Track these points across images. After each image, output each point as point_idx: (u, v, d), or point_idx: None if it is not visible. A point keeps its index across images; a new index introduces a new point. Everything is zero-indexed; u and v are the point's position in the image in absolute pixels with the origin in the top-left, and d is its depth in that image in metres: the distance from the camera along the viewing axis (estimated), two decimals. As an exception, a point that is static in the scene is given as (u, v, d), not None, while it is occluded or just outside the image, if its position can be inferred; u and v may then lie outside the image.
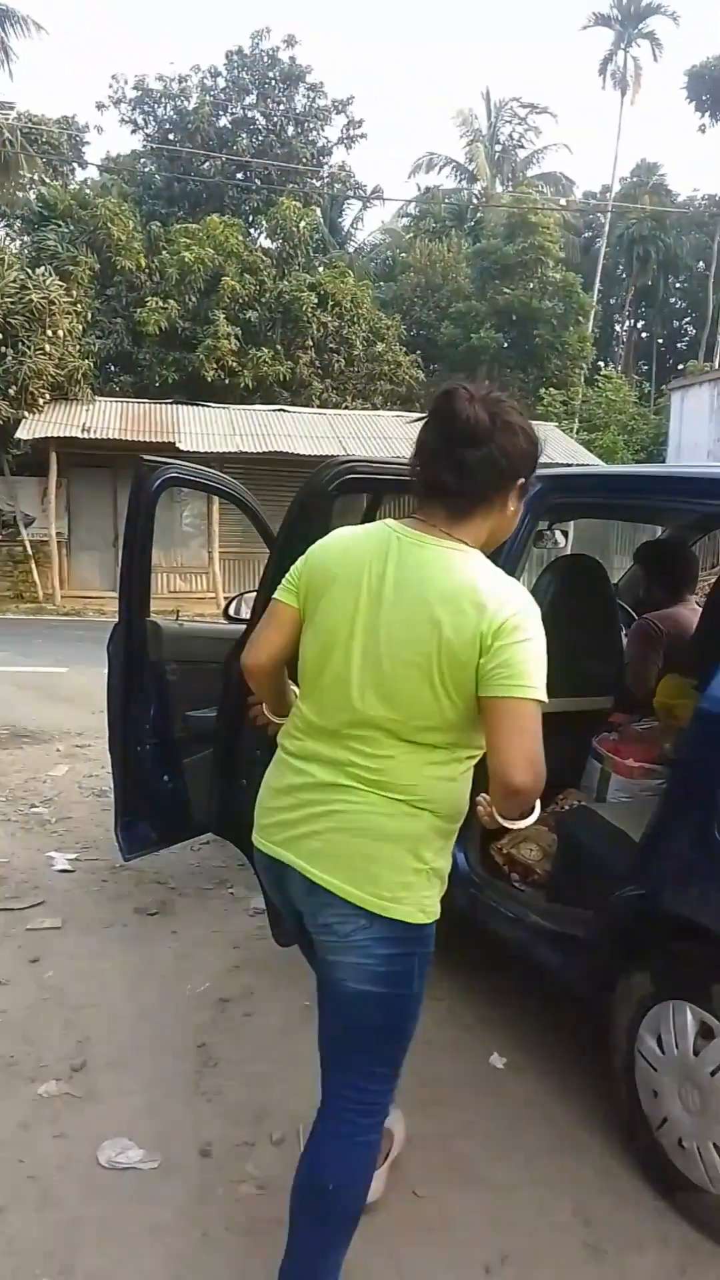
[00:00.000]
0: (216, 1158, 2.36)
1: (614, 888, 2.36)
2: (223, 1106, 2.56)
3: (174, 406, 16.04)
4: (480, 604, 1.54)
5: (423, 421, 1.68)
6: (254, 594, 3.96)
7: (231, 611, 3.84)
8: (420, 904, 1.67)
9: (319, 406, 19.13)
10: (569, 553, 3.65)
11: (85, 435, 14.41)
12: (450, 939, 2.40)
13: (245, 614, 3.83)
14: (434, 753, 1.64)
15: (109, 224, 18.34)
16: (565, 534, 3.95)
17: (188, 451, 14.06)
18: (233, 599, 3.88)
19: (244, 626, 3.47)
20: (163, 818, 3.48)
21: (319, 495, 2.36)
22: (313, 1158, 1.78)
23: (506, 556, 2.87)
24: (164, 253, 19.38)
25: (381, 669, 1.61)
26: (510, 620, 1.53)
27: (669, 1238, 2.15)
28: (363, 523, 2.76)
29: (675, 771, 2.21)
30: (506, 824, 1.67)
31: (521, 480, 1.69)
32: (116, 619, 3.38)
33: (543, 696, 1.52)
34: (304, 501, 2.38)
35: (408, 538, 1.64)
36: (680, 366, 29.00)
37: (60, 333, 15.10)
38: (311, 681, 1.73)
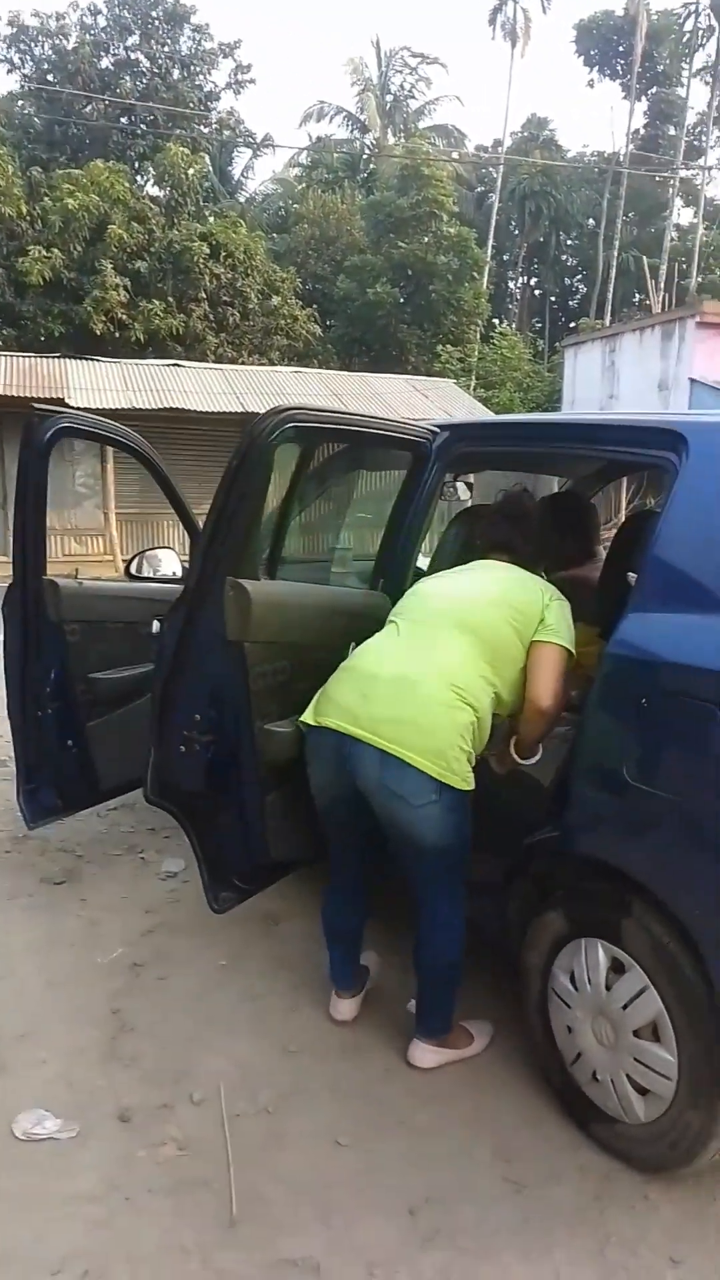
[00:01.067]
0: (136, 1122, 2.33)
1: (526, 832, 2.39)
2: (140, 1071, 2.52)
3: (62, 360, 15.39)
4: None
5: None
6: (158, 550, 3.87)
7: (134, 569, 3.72)
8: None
9: (214, 361, 18.69)
10: (472, 504, 3.64)
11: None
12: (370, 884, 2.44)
13: (148, 572, 3.73)
14: None
15: (-15, 167, 17.40)
16: (469, 486, 3.96)
17: (79, 408, 13.50)
18: (134, 557, 3.75)
19: (153, 584, 3.38)
20: (67, 784, 3.37)
21: (260, 445, 2.27)
22: (444, 951, 2.42)
23: (413, 511, 2.86)
24: (46, 199, 18.49)
25: None
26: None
27: (586, 1168, 2.22)
28: (296, 473, 2.71)
29: (584, 716, 2.24)
30: (520, 762, 2.48)
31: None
32: (10, 580, 3.24)
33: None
34: (245, 452, 2.28)
35: None
36: (572, 325, 29.35)
37: (-65, 282, 14.30)
38: None
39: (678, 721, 2.01)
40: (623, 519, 13.31)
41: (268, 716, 2.44)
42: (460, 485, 3.93)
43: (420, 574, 2.88)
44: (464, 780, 2.28)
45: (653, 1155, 2.16)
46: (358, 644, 2.47)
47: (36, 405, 3.00)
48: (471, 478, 4.17)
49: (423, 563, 3.26)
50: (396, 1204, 2.11)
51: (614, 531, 3.69)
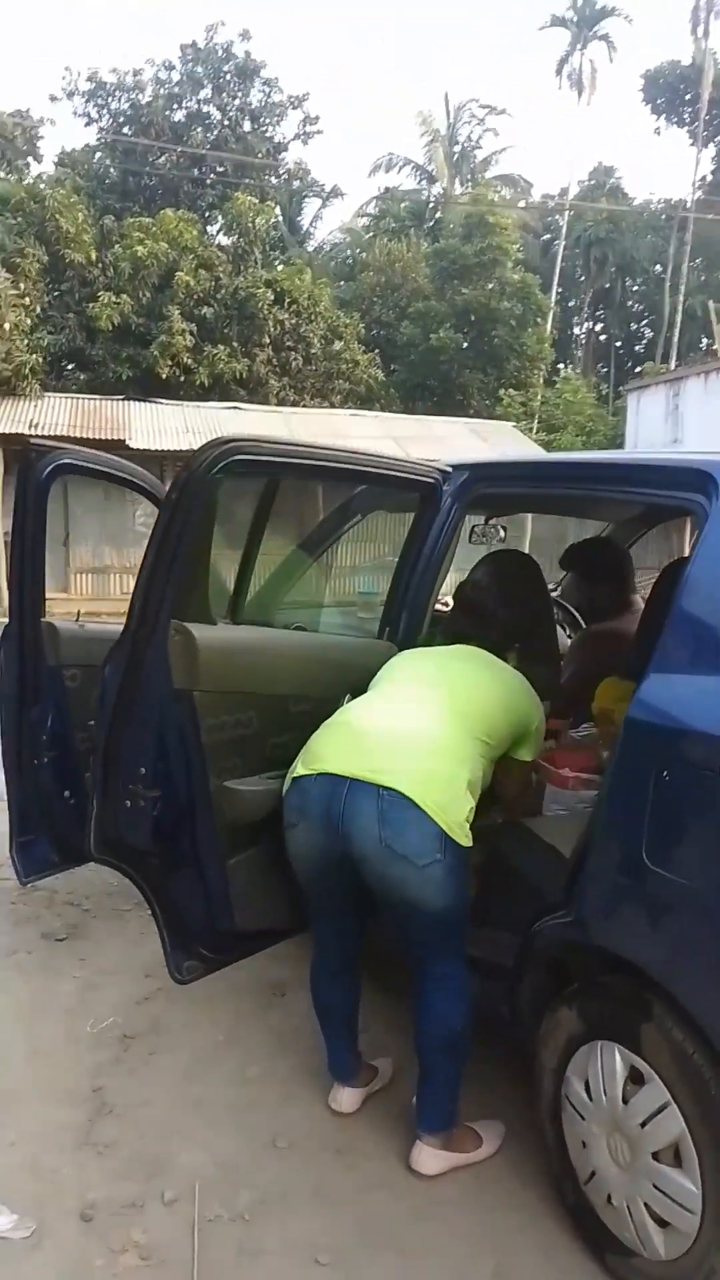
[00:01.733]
0: (99, 1222, 2.11)
1: (543, 912, 2.15)
2: (114, 1161, 2.31)
3: (125, 403, 15.66)
4: None
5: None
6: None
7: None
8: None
9: (276, 404, 18.84)
10: (503, 548, 3.44)
11: (32, 432, 14.00)
12: (369, 963, 2.21)
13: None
14: None
15: (58, 216, 17.88)
16: (503, 529, 3.74)
17: (138, 449, 13.68)
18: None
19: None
20: (64, 836, 3.21)
21: (200, 479, 2.10)
22: (445, 1018, 2.22)
23: (425, 556, 2.67)
24: (117, 247, 18.95)
25: None
26: None
27: (597, 1306, 1.94)
28: (257, 515, 2.53)
29: (602, 787, 2.00)
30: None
31: (519, 646, 2.55)
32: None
33: None
34: (183, 486, 2.11)
35: None
36: (638, 369, 29.06)
37: (6, 326, 14.67)
38: None
39: (703, 798, 1.77)
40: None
41: (228, 772, 2.25)
42: (496, 527, 3.71)
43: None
44: (466, 836, 2.11)
45: (675, 1299, 1.87)
46: (354, 697, 2.29)
47: (33, 441, 2.89)
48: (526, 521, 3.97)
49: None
50: (376, 1341, 1.85)
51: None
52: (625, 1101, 1.92)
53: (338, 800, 2.09)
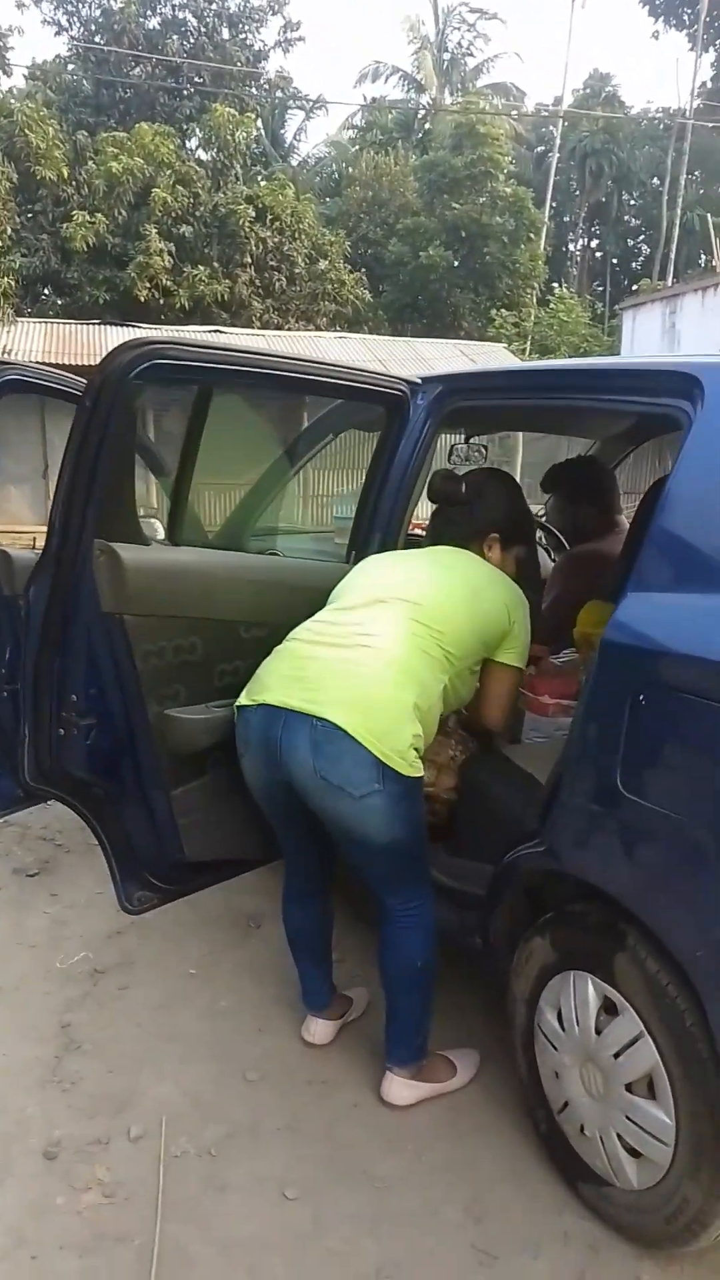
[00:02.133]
0: (62, 1160, 2.07)
1: (517, 841, 2.07)
2: (79, 1097, 2.27)
3: (101, 327, 15.17)
4: None
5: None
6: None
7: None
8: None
9: (259, 327, 18.33)
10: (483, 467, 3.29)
11: (4, 357, 13.60)
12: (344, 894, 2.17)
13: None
14: None
15: (27, 131, 17.10)
16: (484, 449, 3.58)
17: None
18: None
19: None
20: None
21: (114, 385, 1.93)
22: (403, 952, 2.14)
23: (401, 472, 2.52)
24: (90, 163, 18.18)
25: None
26: None
27: (571, 1235, 1.91)
28: (190, 430, 2.36)
29: (577, 712, 1.90)
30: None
31: (495, 534, 2.31)
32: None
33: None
34: (95, 393, 1.93)
35: None
36: (634, 287, 28.32)
37: (-24, 249, 14.15)
38: None
39: (681, 724, 1.67)
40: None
41: (169, 700, 2.14)
42: (474, 446, 3.55)
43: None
44: (410, 765, 1.98)
45: (647, 1228, 1.84)
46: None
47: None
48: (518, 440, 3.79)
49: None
50: (344, 1274, 1.82)
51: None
52: (598, 1032, 1.87)
53: (275, 731, 2.00)
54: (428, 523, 2.48)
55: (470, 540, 2.29)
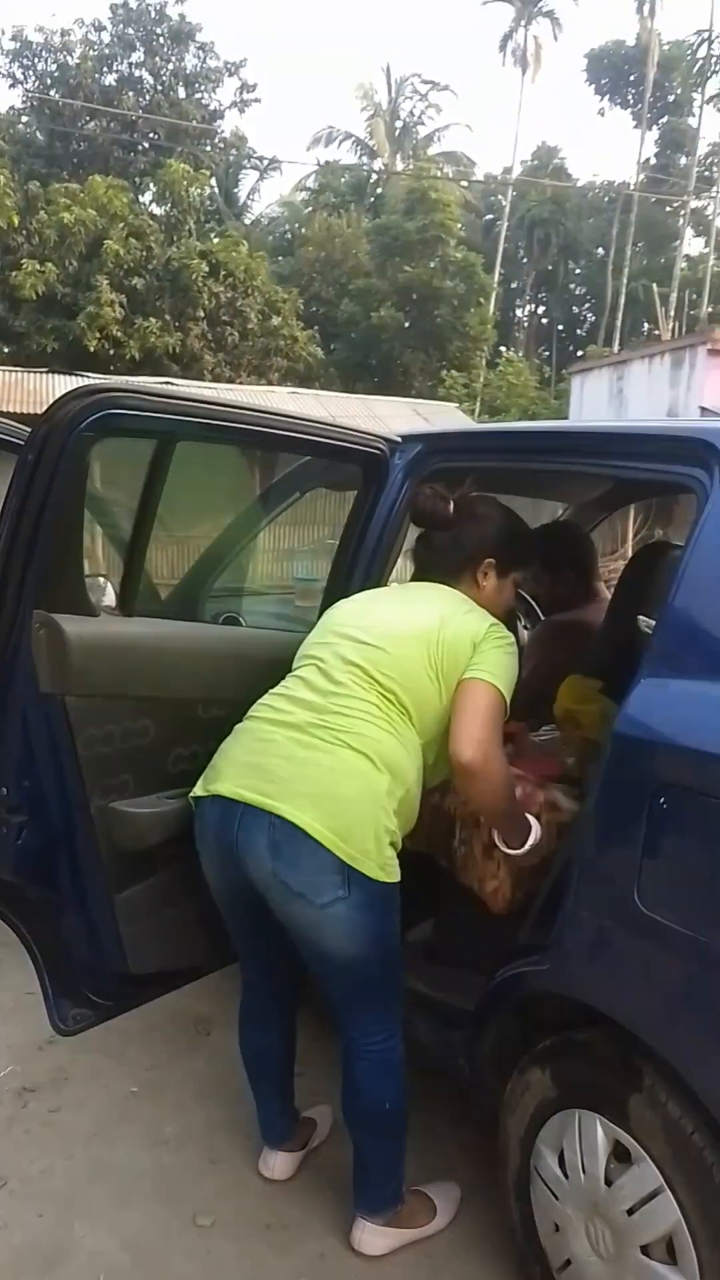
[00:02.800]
0: (-20, 1339, 1.76)
1: (510, 952, 1.84)
2: (4, 1250, 1.95)
3: (49, 376, 14.90)
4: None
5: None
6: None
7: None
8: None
9: (211, 380, 18.25)
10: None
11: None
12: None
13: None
14: None
15: (-25, 179, 17.00)
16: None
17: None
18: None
19: None
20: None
21: (61, 437, 1.69)
22: (365, 1093, 1.88)
23: (369, 540, 2.32)
24: (42, 213, 18.10)
25: None
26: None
27: None
28: (146, 487, 2.11)
29: (585, 814, 1.69)
30: (509, 851, 1.89)
31: (491, 560, 1.99)
32: None
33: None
34: (40, 446, 1.69)
35: None
36: (579, 353, 29.01)
37: None
38: None
39: (710, 832, 1.46)
40: (629, 551, 12.80)
41: (116, 791, 1.87)
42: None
43: None
44: (382, 868, 1.72)
45: None
46: None
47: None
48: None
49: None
50: None
51: (619, 565, 3.17)
52: (608, 1183, 1.62)
53: (230, 828, 1.76)
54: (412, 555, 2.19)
55: (462, 569, 1.99)
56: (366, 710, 1.77)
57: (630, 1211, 1.58)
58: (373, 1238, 1.94)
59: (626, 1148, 1.60)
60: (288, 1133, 2.15)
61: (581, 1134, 1.67)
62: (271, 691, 1.90)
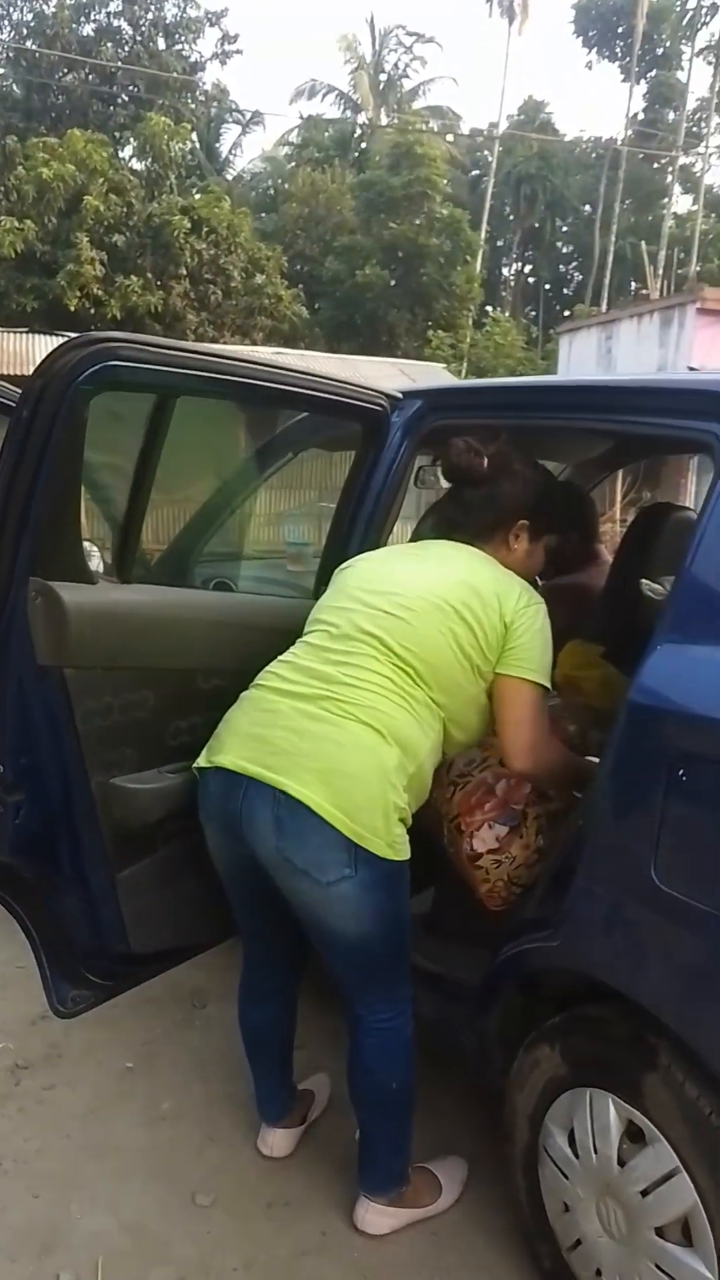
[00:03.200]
0: (-25, 1325, 1.71)
1: (519, 926, 1.79)
2: (2, 1232, 1.90)
3: (30, 335, 14.62)
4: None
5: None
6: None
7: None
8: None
9: (194, 340, 17.94)
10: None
11: None
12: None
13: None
14: None
15: (-48, 132, 16.52)
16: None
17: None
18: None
19: None
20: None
21: (60, 391, 1.58)
22: (374, 1074, 1.83)
23: (368, 502, 2.23)
24: (20, 168, 17.63)
25: None
26: None
27: None
28: (146, 446, 2.01)
29: (596, 786, 1.63)
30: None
31: (525, 521, 1.90)
32: None
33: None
34: (36, 401, 1.59)
35: None
36: (567, 313, 28.66)
37: None
38: None
39: (731, 806, 1.40)
40: (617, 514, 12.70)
41: (117, 766, 1.79)
42: (440, 469, 3.28)
43: None
44: (391, 845, 1.66)
45: None
46: None
47: None
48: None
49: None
50: None
51: (608, 527, 3.09)
52: (621, 1164, 1.58)
53: (234, 800, 1.70)
54: (430, 514, 2.07)
55: (494, 530, 1.89)
56: (378, 682, 1.69)
57: (644, 1193, 1.54)
58: (377, 1217, 1.91)
59: (640, 1128, 1.55)
60: (285, 1110, 2.11)
61: (593, 1113, 1.63)
62: (279, 659, 1.83)
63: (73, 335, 1.68)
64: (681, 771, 1.44)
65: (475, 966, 1.90)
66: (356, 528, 2.22)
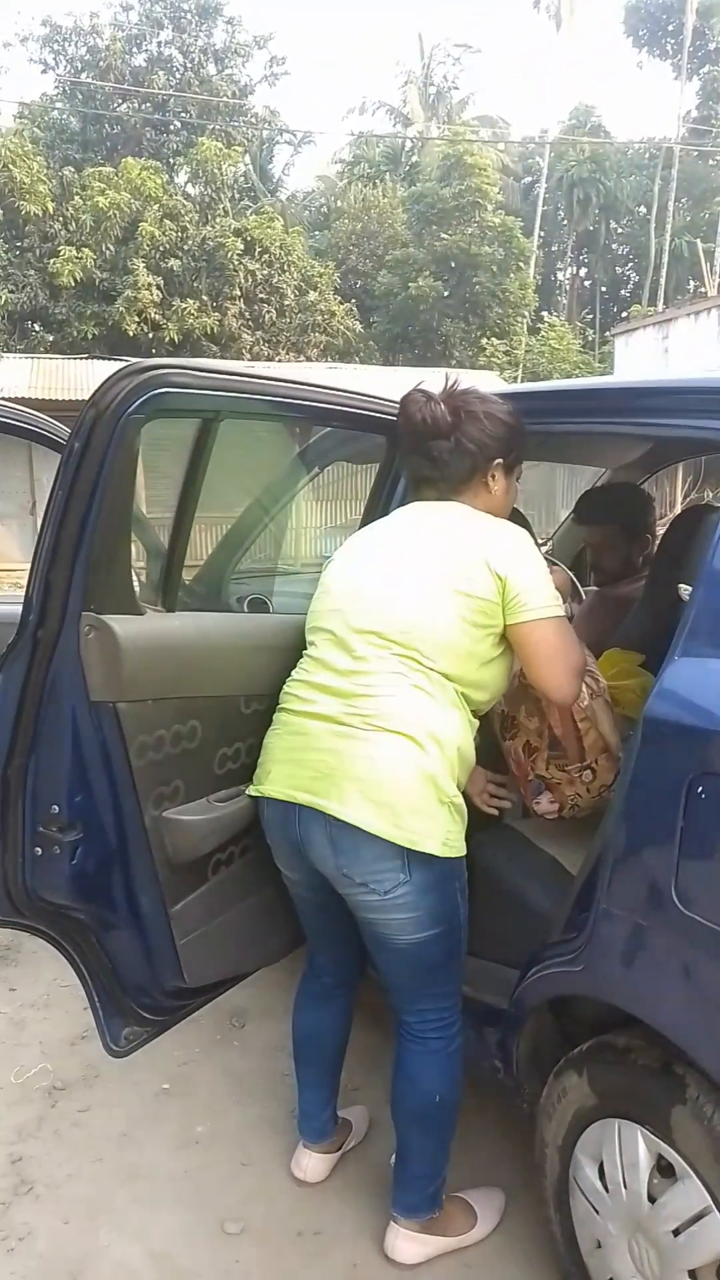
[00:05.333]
0: None
1: (543, 950, 1.73)
2: (27, 1259, 1.90)
3: (89, 362, 14.94)
4: None
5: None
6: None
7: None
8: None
9: (249, 359, 18.17)
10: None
11: (-8, 395, 13.36)
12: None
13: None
14: None
15: (11, 166, 17.00)
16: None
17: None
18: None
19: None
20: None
21: (112, 421, 1.56)
22: (417, 1084, 1.81)
23: (381, 502, 2.21)
24: (77, 198, 18.10)
25: None
26: None
27: None
28: (190, 469, 2.00)
29: (615, 802, 1.56)
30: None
31: (499, 460, 1.80)
32: None
33: None
34: (87, 432, 1.57)
35: None
36: (623, 314, 28.31)
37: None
38: None
39: (754, 825, 1.33)
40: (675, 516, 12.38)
41: (168, 800, 1.76)
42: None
43: None
44: (444, 842, 1.65)
45: None
46: None
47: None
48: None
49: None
50: None
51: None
52: (652, 1200, 1.51)
53: (292, 826, 1.74)
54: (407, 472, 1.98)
55: (470, 477, 1.79)
56: (391, 681, 1.67)
57: (676, 1232, 1.46)
58: (407, 1244, 1.85)
59: (670, 1162, 1.48)
60: (326, 1132, 2.07)
61: (622, 1146, 1.56)
62: (292, 677, 1.82)
63: (126, 361, 1.67)
64: (701, 789, 1.37)
65: (506, 990, 1.84)
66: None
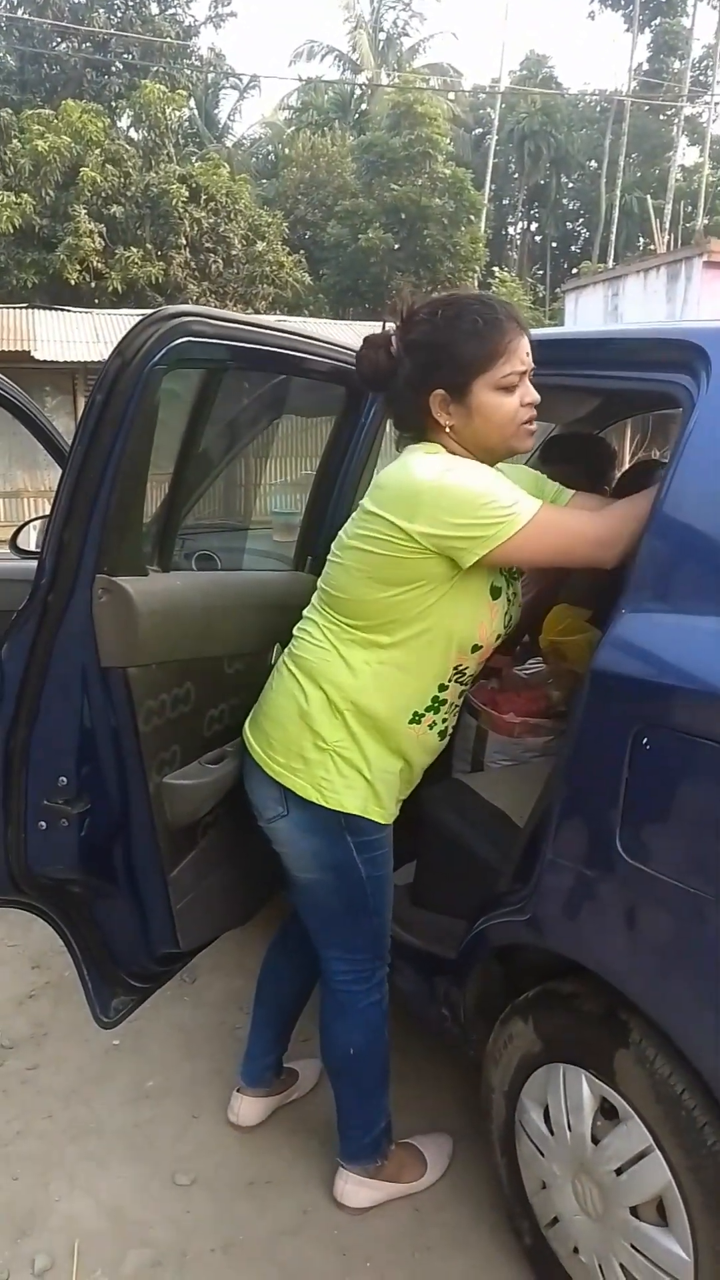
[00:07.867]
0: (-52, 1311, 1.70)
1: (490, 900, 1.74)
2: (-25, 1218, 1.89)
3: (29, 311, 14.49)
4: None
5: None
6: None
7: (20, 543, 3.01)
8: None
9: (196, 312, 17.76)
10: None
11: None
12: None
13: (39, 545, 3.02)
14: None
15: (-56, 105, 16.33)
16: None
17: (45, 361, 12.78)
18: (21, 527, 3.05)
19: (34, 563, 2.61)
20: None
21: (138, 373, 1.49)
22: (329, 1032, 1.85)
23: (349, 468, 2.17)
24: (15, 141, 17.44)
25: None
26: None
27: None
28: (193, 420, 1.93)
29: (561, 755, 1.57)
30: None
31: (441, 392, 1.54)
32: None
33: None
34: (110, 385, 1.49)
35: None
36: (574, 270, 28.19)
37: None
38: None
39: (697, 775, 1.34)
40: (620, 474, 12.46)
41: (167, 765, 1.71)
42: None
43: None
44: (316, 789, 1.63)
45: None
46: (284, 646, 1.80)
47: None
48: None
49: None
50: None
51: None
52: (595, 1141, 1.54)
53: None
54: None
55: (423, 418, 1.57)
56: (310, 630, 1.70)
57: (619, 1171, 1.50)
58: (355, 1189, 1.88)
59: (614, 1105, 1.51)
60: (265, 1077, 2.10)
61: (566, 1090, 1.59)
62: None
63: (73, 310, 1.59)
64: (646, 740, 1.38)
65: (454, 940, 1.86)
66: (344, 488, 2.15)
